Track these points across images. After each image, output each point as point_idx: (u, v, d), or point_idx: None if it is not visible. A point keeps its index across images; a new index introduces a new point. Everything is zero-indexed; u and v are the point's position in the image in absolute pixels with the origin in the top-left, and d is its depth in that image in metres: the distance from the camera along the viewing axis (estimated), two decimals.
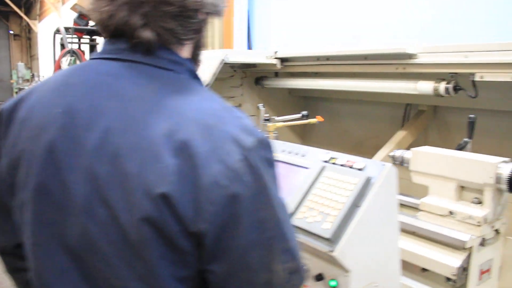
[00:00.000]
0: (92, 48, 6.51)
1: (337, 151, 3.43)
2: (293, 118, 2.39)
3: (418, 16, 3.66)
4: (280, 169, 1.62)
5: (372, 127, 3.28)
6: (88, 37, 6.23)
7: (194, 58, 1.07)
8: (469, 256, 1.82)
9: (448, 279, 1.81)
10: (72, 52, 5.40)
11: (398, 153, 2.16)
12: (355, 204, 1.35)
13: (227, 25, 5.48)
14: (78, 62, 5.35)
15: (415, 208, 2.07)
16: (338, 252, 1.31)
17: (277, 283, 0.97)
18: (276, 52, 2.91)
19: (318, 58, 2.75)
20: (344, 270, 1.36)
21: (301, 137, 3.83)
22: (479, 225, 1.80)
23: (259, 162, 0.90)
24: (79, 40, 6.27)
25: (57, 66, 5.33)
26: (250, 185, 0.88)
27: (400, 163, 2.16)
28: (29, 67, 14.22)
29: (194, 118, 0.89)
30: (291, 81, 3.12)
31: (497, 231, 1.94)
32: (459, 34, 3.23)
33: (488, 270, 1.93)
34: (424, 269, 1.92)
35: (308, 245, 1.40)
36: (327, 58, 2.70)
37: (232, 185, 0.86)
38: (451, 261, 1.79)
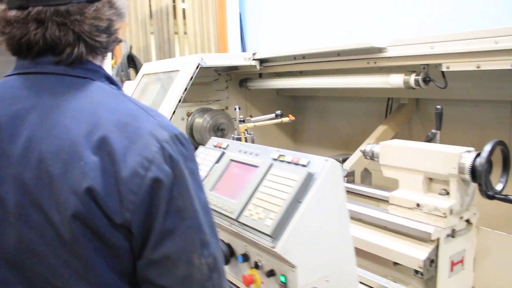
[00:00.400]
0: None
1: (326, 148, 3.47)
2: (266, 118, 2.40)
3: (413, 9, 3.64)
4: (234, 168, 1.65)
5: (358, 123, 3.26)
6: None
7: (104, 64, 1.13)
8: (436, 248, 1.80)
9: (417, 271, 1.79)
10: None
11: (368, 147, 2.15)
12: (297, 200, 1.35)
13: (221, 29, 5.53)
14: None
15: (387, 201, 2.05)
16: (280, 247, 1.31)
17: (197, 278, 1.00)
18: (254, 54, 2.92)
19: (294, 57, 2.75)
20: (291, 265, 1.36)
21: (292, 137, 3.84)
22: (445, 216, 1.78)
23: (178, 155, 0.96)
24: None
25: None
26: (168, 174, 0.94)
27: (370, 157, 2.15)
28: None
29: (109, 119, 0.96)
30: (272, 81, 3.13)
31: (468, 222, 1.91)
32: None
33: (460, 261, 1.91)
34: (395, 263, 1.91)
35: (255, 242, 1.41)
36: (303, 56, 2.70)
37: (150, 173, 0.93)
38: (418, 253, 1.78)
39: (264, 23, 5.17)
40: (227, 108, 3.41)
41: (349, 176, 2.50)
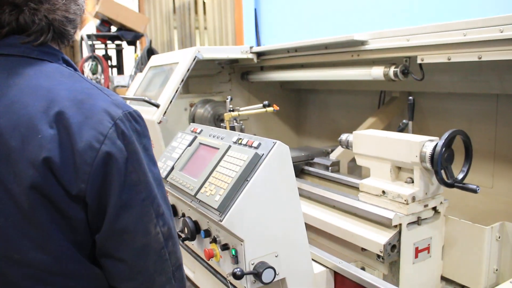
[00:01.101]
0: (119, 52, 6.88)
1: (326, 140, 3.55)
2: (253, 108, 2.50)
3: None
4: (202, 151, 1.77)
5: (356, 115, 3.32)
6: (111, 42, 6.59)
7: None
8: (399, 234, 1.86)
9: (378, 256, 1.86)
10: (93, 58, 5.75)
11: (344, 136, 2.23)
12: (244, 178, 1.45)
13: (238, 25, 5.66)
14: (99, 66, 5.68)
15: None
16: (225, 221, 1.42)
17: (154, 247, 1.09)
18: (251, 47, 3.02)
19: (288, 50, 2.84)
20: (239, 239, 1.47)
21: (295, 130, 3.93)
22: (407, 203, 1.84)
23: (131, 131, 1.05)
24: (106, 45, 6.65)
25: (80, 70, 5.68)
26: (121, 149, 1.02)
27: (346, 146, 2.23)
28: None
29: (66, 96, 1.04)
30: (271, 74, 3.22)
31: (435, 210, 1.96)
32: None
33: (426, 249, 1.96)
34: (363, 249, 1.98)
35: (208, 217, 1.53)
36: (295, 49, 2.78)
37: (104, 146, 1.00)
38: (379, 238, 1.85)
39: (279, 18, 5.26)
40: (231, 100, 3.52)
41: (334, 166, 2.57)
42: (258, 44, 5.44)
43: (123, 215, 1.04)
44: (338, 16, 4.42)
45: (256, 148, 1.52)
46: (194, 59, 2.82)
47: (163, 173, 1.87)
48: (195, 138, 1.88)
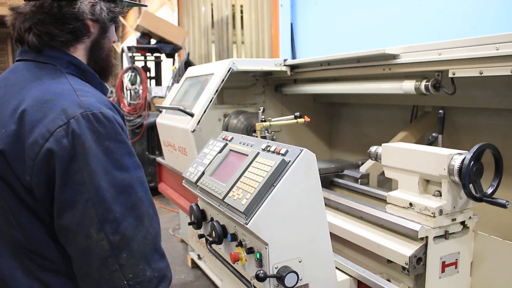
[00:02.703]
0: (157, 64, 7.08)
1: (358, 154, 3.56)
2: (284, 119, 2.55)
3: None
4: (231, 157, 1.83)
5: (387, 129, 3.31)
6: (150, 54, 6.80)
7: (94, 56, 1.32)
8: (425, 247, 1.86)
9: (404, 268, 1.86)
10: (133, 69, 5.95)
11: (373, 149, 2.25)
12: (271, 183, 1.50)
13: (274, 37, 5.74)
14: (138, 77, 5.88)
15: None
16: (251, 224, 1.46)
17: (96, 253, 1.09)
18: (285, 60, 3.08)
19: (321, 63, 2.88)
20: (264, 243, 1.51)
21: (327, 142, 3.95)
22: (433, 216, 1.84)
23: (85, 132, 1.08)
24: (145, 57, 6.87)
25: (119, 81, 5.91)
26: (66, 147, 1.07)
27: (375, 158, 2.24)
28: (113, 85, 15.47)
29: (35, 95, 1.15)
30: (304, 87, 3.27)
31: (464, 225, 1.95)
32: None
33: (453, 264, 1.94)
34: (389, 261, 1.98)
35: (235, 220, 1.57)
36: (328, 63, 2.82)
37: (47, 143, 1.07)
38: (404, 250, 1.85)
39: (314, 33, 5.32)
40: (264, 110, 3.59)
41: (363, 178, 2.58)
42: (294, 57, 5.51)
43: (66, 213, 1.08)
44: (372, 30, 4.44)
45: (283, 155, 1.56)
46: (229, 70, 2.90)
47: (193, 178, 1.93)
48: (225, 145, 1.94)
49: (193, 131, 2.83)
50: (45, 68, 1.24)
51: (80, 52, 1.31)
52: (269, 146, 1.68)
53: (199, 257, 3.86)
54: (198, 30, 7.78)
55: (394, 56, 2.34)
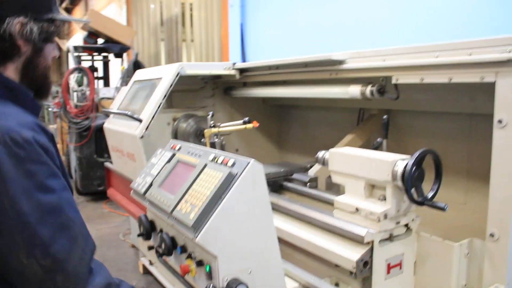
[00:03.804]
0: (105, 64, 6.90)
1: (308, 155, 3.61)
2: (233, 124, 2.55)
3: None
4: (179, 168, 1.81)
5: (336, 132, 3.38)
6: (97, 54, 6.61)
7: (28, 75, 1.28)
8: (371, 250, 1.91)
9: (351, 272, 1.91)
10: (79, 69, 5.77)
11: (321, 154, 2.28)
12: (218, 196, 1.49)
13: (224, 37, 5.73)
14: (85, 78, 5.70)
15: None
16: (199, 238, 1.45)
17: (32, 276, 1.08)
18: (234, 64, 3.08)
19: (269, 67, 2.90)
20: (213, 255, 1.50)
21: (277, 144, 3.98)
22: (378, 221, 1.89)
23: (2, 157, 1.05)
24: (92, 57, 6.67)
25: (65, 82, 5.71)
26: None
27: (322, 163, 2.28)
28: (59, 84, 15.04)
29: None
30: (253, 90, 3.28)
31: (407, 227, 2.02)
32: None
33: (398, 265, 2.01)
34: (337, 265, 2.02)
35: (184, 234, 1.56)
36: (277, 67, 2.84)
37: None
38: (351, 255, 1.89)
39: (264, 33, 5.34)
40: (213, 115, 3.57)
41: (312, 182, 2.62)
42: (244, 57, 5.52)
43: None
44: (322, 31, 4.51)
45: (231, 166, 1.56)
46: (177, 75, 2.86)
47: (141, 189, 1.90)
48: (173, 155, 1.92)
49: (141, 137, 2.78)
50: None
51: (11, 71, 1.27)
52: (216, 157, 1.67)
53: (151, 263, 3.79)
54: (147, 29, 7.64)
55: (341, 62, 2.39)
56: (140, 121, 2.81)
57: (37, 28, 1.27)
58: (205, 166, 1.66)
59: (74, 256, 1.11)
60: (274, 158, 3.90)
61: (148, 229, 1.98)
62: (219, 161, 1.64)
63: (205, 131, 2.49)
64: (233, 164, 1.56)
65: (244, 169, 1.52)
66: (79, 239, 1.14)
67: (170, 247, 1.76)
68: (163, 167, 1.91)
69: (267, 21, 5.26)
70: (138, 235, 2.01)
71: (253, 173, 1.53)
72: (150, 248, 1.97)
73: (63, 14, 1.40)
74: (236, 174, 1.52)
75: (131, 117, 2.84)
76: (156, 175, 1.90)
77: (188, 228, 1.51)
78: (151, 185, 1.88)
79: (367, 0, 4.06)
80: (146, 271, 3.90)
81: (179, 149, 1.97)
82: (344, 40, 4.29)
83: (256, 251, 1.58)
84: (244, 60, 5.54)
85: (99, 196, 6.15)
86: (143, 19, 7.70)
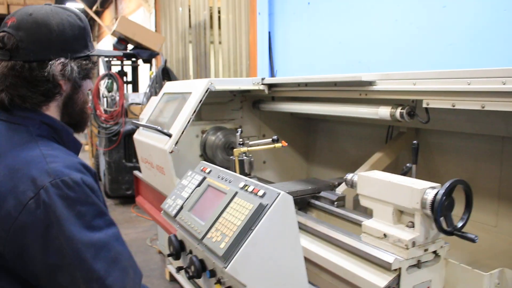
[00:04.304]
0: (134, 69, 7.02)
1: (336, 169, 3.61)
2: (262, 143, 2.57)
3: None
4: (210, 193, 1.84)
5: (364, 146, 3.38)
6: (127, 59, 6.73)
7: (68, 112, 1.33)
8: (398, 277, 1.91)
9: None
10: (109, 76, 5.89)
11: (349, 176, 2.29)
12: (249, 227, 1.52)
13: (252, 46, 5.76)
14: (114, 84, 5.82)
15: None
16: (229, 268, 1.49)
17: None
18: (263, 79, 3.10)
19: (298, 84, 2.91)
20: (242, 284, 1.53)
21: (305, 157, 3.99)
22: (407, 248, 1.89)
23: (56, 200, 1.12)
24: (122, 62, 6.80)
25: (96, 89, 5.84)
26: (41, 219, 1.11)
27: (351, 186, 2.28)
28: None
29: (8, 163, 1.19)
30: (282, 104, 3.29)
31: (436, 254, 2.01)
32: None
33: None
34: None
35: (212, 263, 1.60)
36: (306, 84, 2.85)
37: (21, 216, 1.10)
38: (378, 281, 1.89)
39: (292, 43, 5.35)
40: (241, 127, 3.61)
41: (339, 201, 2.62)
42: (271, 65, 5.54)
43: (56, 277, 1.14)
44: (350, 42, 4.50)
45: (261, 197, 1.58)
46: (207, 90, 2.91)
47: (172, 212, 1.95)
48: (204, 178, 1.96)
49: (171, 152, 2.83)
50: (17, 130, 1.26)
51: (53, 110, 1.33)
52: (247, 185, 1.70)
53: (178, 270, 3.86)
54: (175, 33, 7.72)
55: (370, 83, 2.39)
56: (170, 136, 2.86)
57: (76, 67, 1.32)
58: (235, 194, 1.69)
59: (127, 285, 1.19)
60: (301, 170, 3.91)
61: (178, 250, 2.02)
62: (249, 189, 1.67)
63: (234, 150, 2.52)
64: (263, 195, 1.59)
65: (274, 200, 1.54)
66: (129, 269, 1.21)
67: (199, 270, 1.80)
68: (193, 191, 1.95)
69: (294, 30, 5.27)
70: (168, 255, 2.05)
71: (283, 205, 1.55)
72: (180, 268, 2.01)
73: (96, 49, 1.45)
74: (267, 205, 1.54)
75: (161, 132, 2.89)
76: (187, 199, 1.94)
77: (218, 257, 1.54)
78: (181, 208, 1.92)
79: (394, 19, 4.03)
80: (173, 279, 3.96)
81: (209, 172, 2.01)
82: (372, 50, 4.27)
83: (284, 281, 1.60)
84: (271, 67, 5.57)
85: (127, 199, 6.27)
86: (171, 23, 7.78)
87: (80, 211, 1.15)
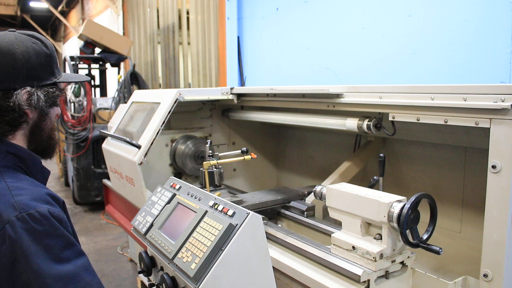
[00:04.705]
0: (102, 73, 6.91)
1: (305, 176, 3.64)
2: (232, 155, 2.58)
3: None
4: (179, 211, 1.84)
5: (333, 154, 3.43)
6: (94, 63, 6.63)
7: (35, 139, 1.31)
8: None
9: None
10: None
11: (318, 188, 2.32)
12: (219, 248, 1.53)
13: (221, 51, 5.75)
14: (82, 89, 5.71)
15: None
16: None
17: None
18: (231, 89, 3.11)
19: (267, 94, 2.93)
20: None
21: (275, 164, 4.01)
22: (375, 260, 1.93)
23: (22, 234, 1.11)
24: (89, 66, 6.68)
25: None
26: (7, 254, 1.10)
27: (320, 198, 2.32)
28: None
29: None
30: (251, 114, 3.31)
31: (403, 264, 2.06)
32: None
33: None
34: None
35: (184, 282, 1.60)
36: (274, 95, 2.88)
37: None
38: None
39: (261, 47, 5.37)
40: (210, 135, 3.61)
41: (309, 211, 2.66)
42: (240, 69, 5.54)
43: None
44: (318, 48, 4.55)
45: (230, 216, 1.59)
46: (176, 101, 2.90)
47: (142, 229, 1.94)
48: (174, 195, 1.95)
49: (140, 164, 2.81)
50: None
51: (19, 138, 1.31)
52: (216, 204, 1.71)
53: (149, 280, 3.83)
54: (144, 35, 7.64)
55: (338, 95, 2.43)
56: (139, 147, 2.84)
57: (43, 95, 1.30)
58: (205, 213, 1.69)
59: None
60: (271, 178, 3.94)
61: (149, 266, 2.01)
62: (219, 208, 1.68)
63: (204, 163, 2.52)
64: (233, 214, 1.60)
65: (244, 220, 1.55)
66: None
67: (171, 287, 1.79)
68: (163, 208, 1.94)
69: (263, 36, 5.29)
70: (139, 272, 2.04)
71: (253, 225, 1.57)
72: (151, 285, 2.00)
73: (62, 74, 1.43)
74: (236, 225, 1.55)
75: (130, 143, 2.87)
76: (157, 216, 1.93)
77: (189, 278, 1.54)
78: (151, 225, 1.91)
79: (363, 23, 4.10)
80: (145, 287, 3.93)
81: (179, 189, 2.00)
82: (339, 56, 4.33)
83: None
84: (241, 73, 5.57)
85: (97, 206, 6.18)
86: (139, 25, 7.70)
87: (48, 244, 1.14)
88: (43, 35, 1.45)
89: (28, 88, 1.27)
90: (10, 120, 1.27)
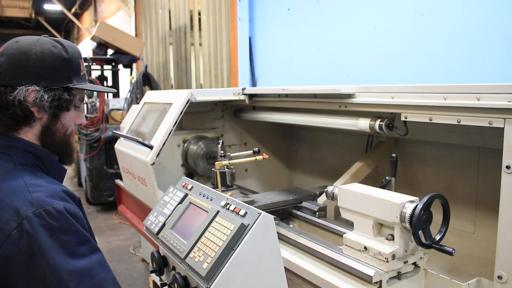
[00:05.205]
0: (114, 74, 6.96)
1: (317, 176, 3.63)
2: (243, 155, 2.58)
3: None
4: (191, 211, 1.85)
5: (344, 154, 3.42)
6: (107, 64, 6.68)
7: (47, 141, 1.34)
8: None
9: None
10: (89, 81, 5.82)
11: (330, 189, 2.31)
12: (231, 247, 1.53)
13: (232, 51, 5.77)
14: None
15: None
16: None
17: None
18: (243, 89, 3.12)
19: (279, 95, 2.93)
20: None
21: (286, 164, 4.01)
22: (387, 261, 1.92)
23: (39, 230, 1.13)
24: (102, 67, 6.74)
25: None
26: (24, 249, 1.12)
27: (331, 198, 2.31)
28: None
29: None
30: (263, 114, 3.31)
31: (415, 265, 2.05)
32: None
33: None
34: None
35: (196, 281, 1.61)
36: (286, 95, 2.88)
37: (4, 247, 1.12)
38: None
39: (272, 49, 5.37)
40: (222, 135, 3.62)
41: (321, 211, 2.65)
42: (252, 69, 5.55)
43: None
44: (330, 49, 4.54)
45: (242, 216, 1.60)
46: (188, 102, 2.91)
47: (154, 229, 1.95)
48: (186, 195, 1.96)
49: (152, 164, 2.83)
50: (0, 159, 1.26)
51: (31, 135, 1.35)
52: (228, 204, 1.71)
53: (161, 279, 3.85)
54: (156, 36, 7.68)
55: (350, 96, 2.42)
56: (151, 147, 2.86)
57: (47, 96, 1.32)
58: (217, 213, 1.70)
59: None
60: (283, 178, 3.94)
61: (161, 266, 2.02)
62: (231, 208, 1.68)
63: (216, 163, 2.53)
64: (245, 214, 1.60)
65: (256, 220, 1.56)
66: None
67: (183, 287, 1.80)
68: (175, 208, 1.95)
69: (275, 36, 5.29)
70: (151, 272, 2.05)
71: (264, 225, 1.57)
72: (163, 284, 2.02)
73: (85, 84, 1.45)
74: (248, 225, 1.56)
75: (142, 143, 2.88)
76: (169, 216, 1.94)
77: (201, 277, 1.55)
78: (163, 225, 1.93)
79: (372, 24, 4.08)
80: (157, 287, 3.95)
81: (191, 189, 2.01)
82: (351, 56, 4.32)
83: None
84: (252, 73, 5.58)
85: (109, 206, 6.23)
86: (152, 26, 7.74)
87: (64, 239, 1.16)
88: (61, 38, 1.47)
89: (34, 87, 1.30)
90: (12, 114, 1.31)
